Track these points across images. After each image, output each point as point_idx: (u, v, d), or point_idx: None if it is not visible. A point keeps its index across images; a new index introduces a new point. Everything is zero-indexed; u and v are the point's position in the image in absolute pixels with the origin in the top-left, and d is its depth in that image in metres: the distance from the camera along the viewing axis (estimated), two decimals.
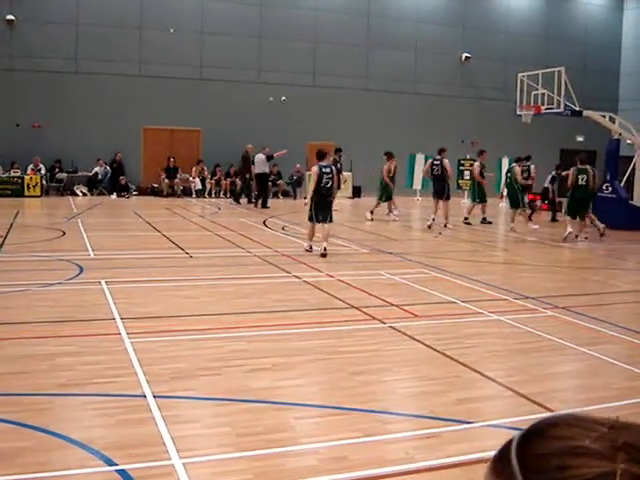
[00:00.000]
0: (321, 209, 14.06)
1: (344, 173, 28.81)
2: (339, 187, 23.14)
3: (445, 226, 19.29)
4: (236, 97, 29.90)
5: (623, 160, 22.26)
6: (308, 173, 14.59)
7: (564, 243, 16.91)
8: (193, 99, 29.34)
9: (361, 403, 5.63)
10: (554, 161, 24.26)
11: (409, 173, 30.02)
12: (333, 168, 14.31)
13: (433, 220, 19.34)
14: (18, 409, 5.24)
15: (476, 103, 33.91)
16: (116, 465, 4.37)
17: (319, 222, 14.10)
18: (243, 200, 26.37)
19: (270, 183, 27.27)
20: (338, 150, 23.85)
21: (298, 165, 30.12)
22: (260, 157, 24.59)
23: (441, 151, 19.86)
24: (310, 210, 14.10)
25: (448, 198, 19.65)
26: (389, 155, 21.54)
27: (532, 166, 22.07)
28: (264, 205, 24.40)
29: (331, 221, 14.35)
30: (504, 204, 28.51)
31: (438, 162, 19.71)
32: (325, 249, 13.71)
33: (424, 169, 20.40)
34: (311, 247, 14.24)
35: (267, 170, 25.17)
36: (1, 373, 6.08)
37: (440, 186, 19.61)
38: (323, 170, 13.97)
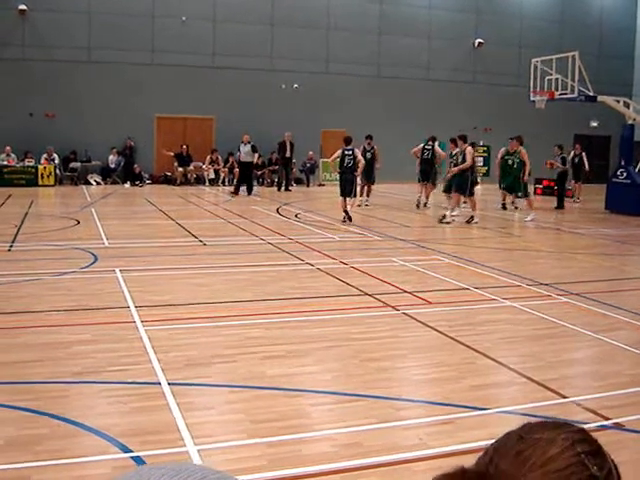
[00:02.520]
0: (344, 184, 17.19)
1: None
2: (370, 178, 22.58)
3: (425, 205, 21.20)
4: (249, 85, 29.86)
5: (638, 145, 22.11)
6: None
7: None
8: (206, 87, 29.32)
9: (375, 389, 5.65)
10: (567, 147, 24.12)
11: None
12: (355, 151, 17.37)
13: (423, 203, 21.19)
14: (34, 397, 5.28)
15: (489, 89, 33.70)
16: (131, 452, 4.41)
17: (343, 196, 17.20)
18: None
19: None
20: (368, 137, 23.00)
21: (311, 152, 30.08)
22: (246, 148, 24.75)
23: (433, 139, 21.32)
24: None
25: (434, 182, 21.61)
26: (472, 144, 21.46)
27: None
28: (249, 192, 24.58)
29: (355, 196, 17.60)
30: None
31: (430, 148, 21.09)
32: (345, 217, 16.95)
33: (414, 150, 21.74)
34: (344, 218, 16.95)
35: (251, 159, 25.08)
36: (17, 361, 6.13)
37: (428, 169, 21.16)
38: (345, 152, 17.22)
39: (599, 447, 1.00)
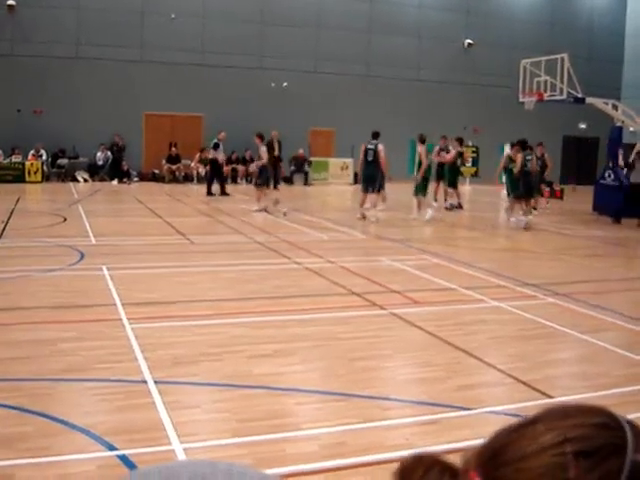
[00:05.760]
0: (364, 180, 17.77)
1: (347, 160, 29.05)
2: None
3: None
4: (238, 83, 29.84)
5: (626, 147, 22.19)
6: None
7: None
8: (195, 85, 29.28)
9: (361, 389, 5.64)
10: (556, 148, 24.09)
11: (411, 160, 29.96)
12: (378, 146, 17.35)
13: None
14: (20, 394, 5.25)
15: (479, 90, 33.80)
16: (117, 450, 4.39)
17: (366, 191, 17.68)
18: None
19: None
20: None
21: (300, 151, 30.05)
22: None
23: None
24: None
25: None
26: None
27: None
28: (223, 192, 23.67)
29: (375, 191, 17.65)
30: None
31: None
32: (371, 216, 17.32)
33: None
34: (363, 215, 17.62)
35: (218, 156, 24.20)
36: (2, 358, 6.10)
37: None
38: (368, 147, 17.57)
39: (603, 446, 0.88)
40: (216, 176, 23.99)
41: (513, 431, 0.94)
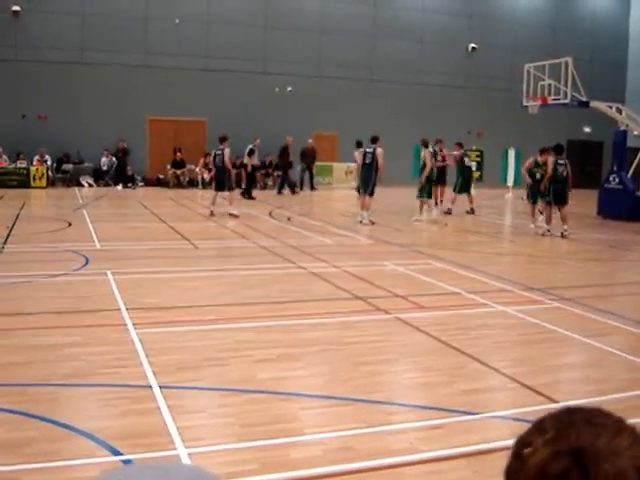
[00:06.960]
0: (361, 181, 18.13)
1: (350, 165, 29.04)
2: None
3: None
4: (242, 88, 29.86)
5: (630, 151, 22.17)
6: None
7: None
8: (199, 90, 29.31)
9: (366, 394, 5.64)
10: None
11: (415, 164, 29.93)
12: (377, 150, 17.60)
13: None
14: (24, 399, 5.26)
15: (482, 94, 33.78)
16: (122, 455, 4.39)
17: (360, 193, 18.08)
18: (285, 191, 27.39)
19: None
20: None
21: (310, 141, 29.89)
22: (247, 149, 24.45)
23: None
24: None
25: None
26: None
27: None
28: (250, 196, 24.30)
29: (371, 194, 17.73)
30: (510, 195, 28.51)
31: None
32: (363, 218, 17.53)
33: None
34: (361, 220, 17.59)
35: (250, 162, 24.62)
36: (7, 363, 6.11)
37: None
38: (366, 150, 17.84)
39: None
40: (247, 180, 24.71)
41: (591, 427, 1.02)
